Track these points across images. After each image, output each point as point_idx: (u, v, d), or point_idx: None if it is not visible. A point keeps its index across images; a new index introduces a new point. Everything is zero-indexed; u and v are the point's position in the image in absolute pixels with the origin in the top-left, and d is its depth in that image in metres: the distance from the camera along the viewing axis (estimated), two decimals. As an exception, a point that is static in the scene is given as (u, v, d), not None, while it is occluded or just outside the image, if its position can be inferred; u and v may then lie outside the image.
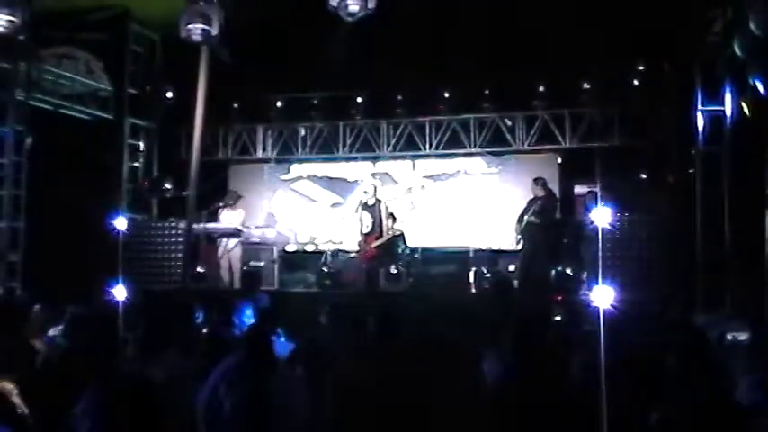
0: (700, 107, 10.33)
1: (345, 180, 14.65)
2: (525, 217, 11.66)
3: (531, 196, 11.88)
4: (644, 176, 12.32)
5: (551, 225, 11.79)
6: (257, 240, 13.14)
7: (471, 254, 12.67)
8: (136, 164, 13.70)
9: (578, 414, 3.31)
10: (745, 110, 9.44)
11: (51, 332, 5.90)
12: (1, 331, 4.97)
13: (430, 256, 12.84)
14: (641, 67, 12.36)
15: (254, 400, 4.07)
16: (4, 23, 9.43)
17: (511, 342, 4.42)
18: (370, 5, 8.54)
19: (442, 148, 13.94)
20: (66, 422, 2.65)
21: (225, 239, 12.38)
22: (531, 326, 4.76)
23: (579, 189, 12.96)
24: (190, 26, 9.50)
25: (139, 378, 3.15)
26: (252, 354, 4.47)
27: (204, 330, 5.91)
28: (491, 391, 3.82)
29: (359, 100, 14.04)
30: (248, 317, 6.96)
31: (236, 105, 14.44)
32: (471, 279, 12.11)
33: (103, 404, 2.49)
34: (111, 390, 2.57)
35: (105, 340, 4.82)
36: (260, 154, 14.84)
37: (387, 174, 14.47)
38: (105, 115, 13.17)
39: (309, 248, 14.41)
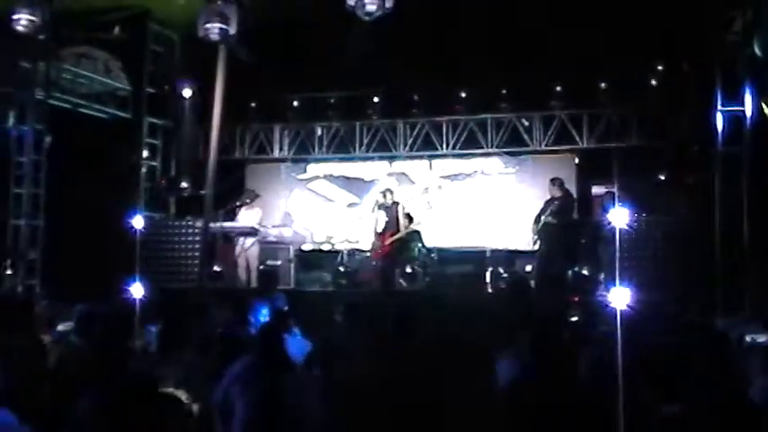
0: (719, 107, 10.24)
1: (362, 180, 14.65)
2: (542, 217, 11.62)
3: (549, 196, 11.84)
4: (662, 177, 12.23)
5: (568, 225, 11.73)
6: (274, 239, 13.18)
7: (488, 254, 12.64)
8: (154, 163, 13.76)
9: (595, 414, 3.29)
10: (765, 110, 9.36)
11: (61, 327, 5.92)
12: (8, 328, 4.98)
13: (446, 255, 12.83)
14: (660, 67, 12.29)
15: (267, 399, 4.08)
16: (24, 23, 9.51)
17: (528, 342, 4.40)
18: (388, 5, 8.53)
19: (459, 148, 13.91)
20: (75, 419, 2.65)
21: (242, 238, 12.41)
22: (548, 326, 4.75)
23: (597, 189, 12.90)
24: (208, 25, 9.54)
25: (147, 377, 3.15)
26: (265, 353, 4.47)
27: (220, 329, 5.91)
28: (507, 392, 3.80)
29: (375, 99, 14.04)
30: (264, 316, 6.96)
31: (253, 105, 14.48)
32: (488, 279, 12.09)
33: (110, 403, 2.49)
34: (117, 388, 2.57)
35: (119, 338, 4.84)
36: (277, 153, 14.87)
37: (403, 173, 14.46)
38: (124, 114, 13.25)
39: (325, 248, 14.42)
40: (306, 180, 14.91)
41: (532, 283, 11.08)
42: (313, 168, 14.92)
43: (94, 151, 12.01)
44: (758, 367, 3.65)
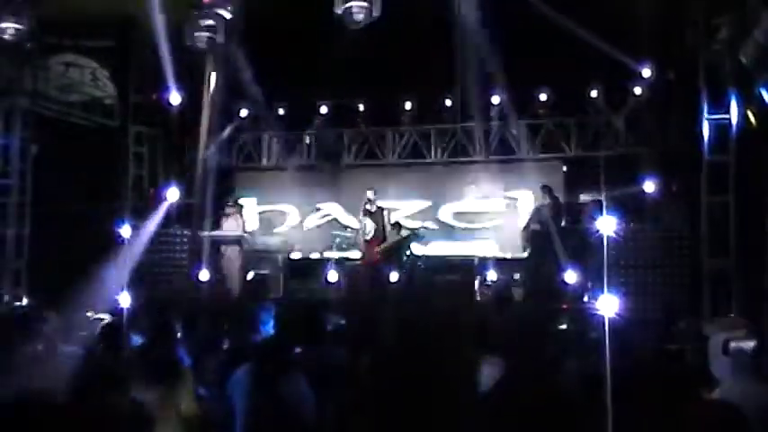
0: (705, 116, 10.30)
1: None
2: (531, 225, 11.64)
3: (537, 204, 11.87)
4: (649, 185, 12.28)
5: (557, 233, 11.75)
6: (261, 248, 13.12)
7: (476, 262, 12.63)
8: (141, 171, 13.71)
9: (580, 421, 3.30)
10: (751, 118, 9.43)
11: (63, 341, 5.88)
12: (18, 340, 4.94)
13: (434, 263, 12.81)
14: (646, 75, 12.35)
15: (266, 407, 4.07)
16: (10, 31, 9.48)
17: (512, 350, 4.41)
18: (375, 13, 8.56)
19: (448, 157, 13.91)
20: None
21: (229, 247, 12.35)
22: (534, 334, 4.75)
23: (584, 197, 12.93)
24: (196, 34, 9.54)
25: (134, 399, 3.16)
26: (265, 361, 4.46)
27: (214, 338, 5.90)
28: (490, 399, 3.80)
29: (363, 108, 14.03)
30: (262, 325, 6.95)
31: (241, 113, 14.43)
32: (476, 287, 12.07)
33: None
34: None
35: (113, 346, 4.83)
36: (265, 161, 14.82)
37: (392, 181, 14.43)
38: (110, 123, 13.19)
39: (314, 256, 14.37)
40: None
41: (520, 291, 11.10)
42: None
43: (81, 160, 11.95)
44: (745, 373, 3.68)
